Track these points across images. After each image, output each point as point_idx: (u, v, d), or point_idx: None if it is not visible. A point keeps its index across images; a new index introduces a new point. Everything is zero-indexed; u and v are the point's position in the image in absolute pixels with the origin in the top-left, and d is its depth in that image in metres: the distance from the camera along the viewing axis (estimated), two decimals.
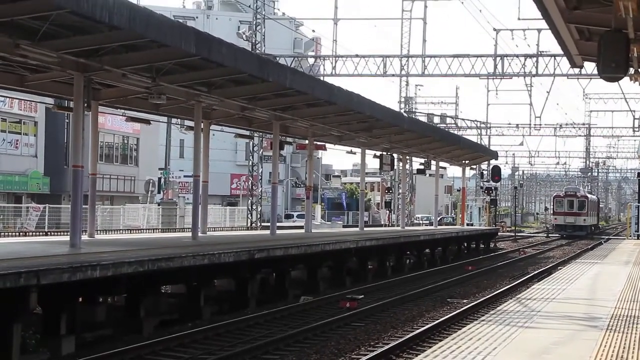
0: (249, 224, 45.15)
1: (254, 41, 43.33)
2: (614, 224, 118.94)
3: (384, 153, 36.65)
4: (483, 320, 11.37)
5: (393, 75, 46.83)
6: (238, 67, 17.90)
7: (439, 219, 51.60)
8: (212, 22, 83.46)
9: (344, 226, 58.15)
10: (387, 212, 65.29)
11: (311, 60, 54.49)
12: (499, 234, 52.36)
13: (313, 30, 62.55)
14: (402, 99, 60.01)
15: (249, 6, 47.26)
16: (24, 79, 18.26)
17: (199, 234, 22.04)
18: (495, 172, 61.10)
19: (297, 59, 48.35)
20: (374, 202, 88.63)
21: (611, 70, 11.13)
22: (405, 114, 48.93)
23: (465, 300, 20.83)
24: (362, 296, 19.98)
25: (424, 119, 61.85)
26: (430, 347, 10.84)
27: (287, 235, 27.51)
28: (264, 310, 17.37)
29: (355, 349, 13.83)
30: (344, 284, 23.09)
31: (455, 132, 59.38)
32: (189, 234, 22.60)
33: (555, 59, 42.48)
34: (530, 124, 67.08)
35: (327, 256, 22.15)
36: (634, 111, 63.87)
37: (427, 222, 67.00)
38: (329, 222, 62.93)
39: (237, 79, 19.97)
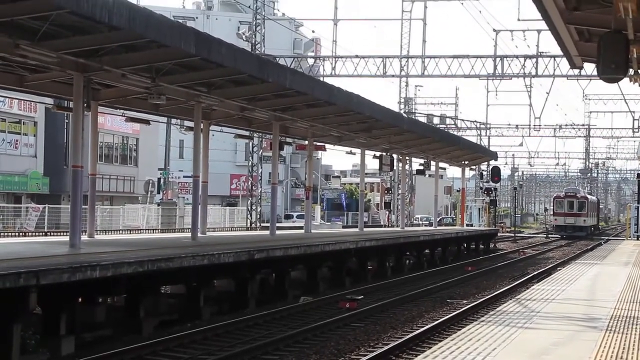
0: (248, 225, 45.15)
1: (253, 42, 43.34)
2: (613, 225, 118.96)
3: (384, 153, 36.66)
4: (483, 321, 11.37)
5: (393, 75, 46.83)
6: (238, 68, 17.90)
7: (438, 219, 51.58)
8: (211, 22, 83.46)
9: (343, 227, 58.10)
10: (387, 212, 65.30)
11: (311, 61, 54.50)
12: (498, 234, 52.38)
13: (313, 31, 62.70)
14: (402, 100, 60.02)
15: (249, 7, 47.28)
16: (24, 79, 18.26)
17: (199, 235, 22.03)
18: (495, 173, 61.14)
19: (296, 59, 48.35)
20: (373, 203, 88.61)
21: (611, 71, 11.15)
22: (404, 115, 48.93)
23: (464, 301, 20.83)
24: (362, 297, 19.98)
25: (423, 119, 61.90)
26: (430, 347, 10.84)
27: (287, 235, 27.51)
28: (263, 311, 17.37)
29: (354, 349, 13.83)
30: (344, 285, 23.08)
31: (455, 133, 59.40)
32: (189, 235, 22.60)
33: (554, 59, 42.48)
34: (529, 125, 67.12)
35: (326, 257, 22.15)
36: (634, 112, 63.95)
37: (427, 222, 66.99)
38: (329, 223, 62.89)
39: (237, 79, 19.97)
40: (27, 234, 31.53)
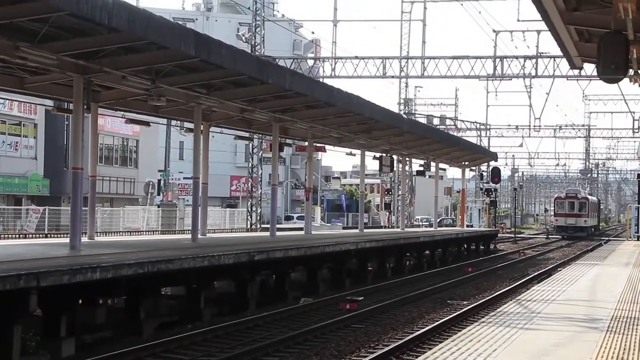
0: (248, 226, 45.15)
1: (253, 43, 43.34)
2: (613, 225, 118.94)
3: (384, 154, 36.66)
4: (483, 322, 11.36)
5: (392, 76, 46.79)
6: (237, 69, 17.91)
7: (438, 220, 51.59)
8: (211, 24, 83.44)
9: (343, 228, 58.13)
10: (387, 213, 65.28)
11: (310, 62, 54.51)
12: (498, 235, 52.37)
13: (312, 32, 62.67)
14: (402, 101, 60.00)
15: (249, 8, 47.31)
16: (24, 81, 18.26)
17: (199, 236, 22.03)
18: (495, 174, 61.15)
19: (296, 60, 48.33)
20: (373, 204, 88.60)
21: (611, 72, 11.15)
22: (404, 116, 48.94)
23: (465, 302, 20.83)
24: (362, 298, 19.97)
25: (423, 120, 61.86)
26: (430, 348, 10.83)
27: (287, 237, 27.50)
28: (263, 312, 17.36)
29: (355, 350, 13.82)
30: (344, 286, 23.08)
31: (455, 134, 59.39)
32: (189, 236, 22.61)
33: (554, 60, 42.44)
34: (529, 126, 67.06)
35: (327, 258, 22.14)
36: (634, 112, 63.92)
37: (427, 223, 66.99)
38: (329, 224, 62.91)
39: (237, 80, 19.97)
40: (27, 235, 31.54)
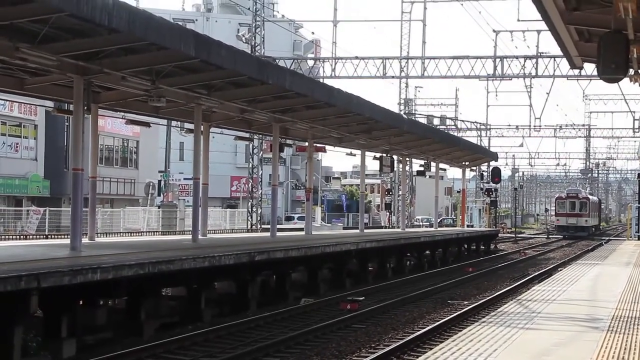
0: (249, 226, 45.16)
1: (253, 43, 43.36)
2: (614, 225, 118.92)
3: (384, 155, 36.66)
4: (484, 322, 11.36)
5: (392, 77, 46.80)
6: (237, 70, 17.91)
7: (439, 220, 51.58)
8: (211, 24, 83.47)
9: (344, 228, 58.15)
10: (387, 213, 65.31)
11: (311, 63, 54.52)
12: (499, 235, 52.37)
13: (312, 33, 62.63)
14: (402, 101, 60.02)
15: (249, 9, 47.30)
16: (24, 82, 18.26)
17: (199, 237, 22.04)
18: (495, 174, 61.14)
19: (296, 61, 48.34)
20: (374, 204, 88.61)
21: (611, 72, 11.15)
22: (405, 116, 48.93)
23: (465, 302, 20.83)
24: (363, 298, 19.97)
25: (423, 120, 61.83)
26: (431, 348, 10.83)
27: (288, 237, 27.50)
28: (264, 313, 17.36)
29: (356, 350, 13.82)
30: (345, 286, 23.08)
31: (455, 134, 59.38)
32: (189, 237, 22.61)
33: (554, 60, 42.44)
34: (530, 125, 67.06)
35: (327, 258, 22.14)
36: (634, 112, 63.91)
37: (427, 223, 66.99)
38: (329, 224, 62.96)
39: (237, 81, 19.97)
40: (28, 237, 31.51)
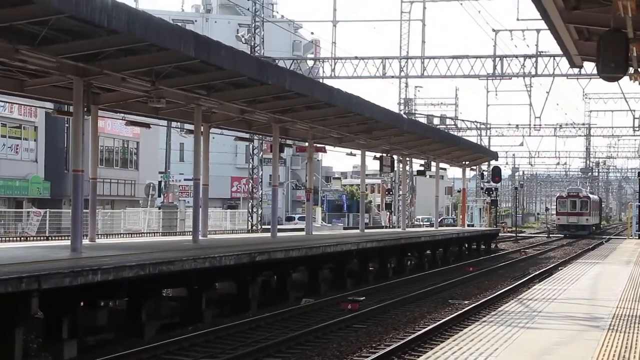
0: (249, 227, 45.16)
1: (253, 44, 43.36)
2: (614, 224, 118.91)
3: (384, 155, 36.66)
4: (484, 321, 11.37)
5: (392, 76, 46.82)
6: (237, 70, 17.91)
7: (439, 220, 51.59)
8: (211, 25, 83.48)
9: (344, 228, 58.15)
10: (388, 213, 65.32)
11: (310, 63, 54.57)
12: (499, 234, 52.37)
13: (312, 33, 62.72)
14: (402, 101, 60.03)
15: (248, 9, 47.29)
16: (24, 84, 18.26)
17: (200, 237, 22.04)
18: (496, 173, 61.13)
19: (296, 61, 48.35)
20: (374, 204, 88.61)
21: (611, 70, 11.14)
22: (404, 116, 48.93)
23: (466, 302, 20.82)
24: (364, 298, 19.97)
25: (423, 120, 61.86)
26: (431, 348, 10.84)
27: (288, 237, 27.51)
28: (265, 313, 17.36)
29: (357, 350, 13.82)
30: (345, 286, 23.08)
31: (455, 133, 59.39)
32: (190, 237, 22.61)
33: (554, 59, 42.46)
34: (530, 125, 67.09)
35: (328, 258, 22.14)
36: (634, 111, 63.96)
37: (428, 223, 66.99)
38: (330, 224, 62.97)
39: (237, 82, 19.98)
40: (28, 238, 31.54)
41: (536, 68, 43.22)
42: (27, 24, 13.96)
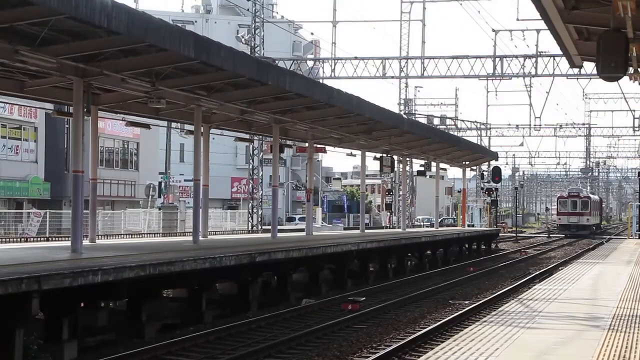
0: (249, 228, 45.17)
1: (253, 44, 43.37)
2: (615, 224, 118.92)
3: (384, 155, 36.65)
4: (485, 321, 11.37)
5: (392, 77, 46.81)
6: (237, 71, 17.91)
7: (439, 220, 51.57)
8: (211, 26, 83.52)
9: (344, 228, 58.14)
10: (388, 214, 65.29)
11: (310, 63, 54.55)
12: (500, 234, 52.37)
13: (312, 33, 62.81)
14: (402, 101, 60.02)
15: (248, 10, 47.30)
16: (24, 85, 18.26)
17: (200, 238, 22.04)
18: (496, 173, 61.13)
19: (296, 61, 48.35)
20: (374, 204, 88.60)
21: (610, 70, 11.15)
22: (405, 116, 48.93)
23: (467, 302, 20.82)
24: (364, 298, 19.97)
25: (423, 120, 61.89)
26: (432, 348, 10.83)
27: (288, 238, 27.51)
28: (265, 314, 17.36)
29: (357, 351, 13.82)
30: (346, 286, 23.08)
31: (455, 134, 59.39)
32: (190, 238, 22.60)
33: (554, 59, 42.45)
34: (530, 125, 67.09)
35: (328, 259, 22.14)
36: (634, 111, 63.98)
37: (428, 223, 66.98)
38: (330, 225, 62.94)
39: (237, 82, 19.98)
40: (28, 239, 31.53)
41: (536, 68, 43.22)
42: (27, 24, 13.97)
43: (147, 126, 27.09)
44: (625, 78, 13.62)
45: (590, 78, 49.30)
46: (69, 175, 32.52)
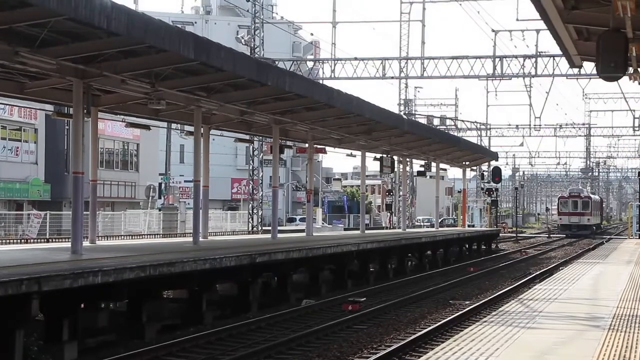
0: (250, 228, 45.16)
1: (252, 45, 43.36)
2: (615, 224, 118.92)
3: (384, 155, 36.65)
4: (485, 322, 11.37)
5: (392, 77, 46.79)
6: (237, 72, 17.91)
7: (440, 220, 51.56)
8: (210, 27, 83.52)
9: (345, 229, 58.11)
10: (388, 214, 65.27)
11: (310, 64, 54.60)
12: (500, 235, 52.37)
13: (312, 34, 62.86)
14: (402, 101, 60.01)
15: (247, 11, 47.31)
16: (24, 87, 18.26)
17: (200, 239, 22.03)
18: (496, 173, 61.15)
19: (296, 62, 48.36)
20: (374, 205, 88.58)
21: (610, 70, 11.15)
22: (404, 116, 48.93)
23: (467, 302, 20.82)
24: (364, 299, 19.97)
25: (423, 121, 61.89)
26: (432, 348, 10.83)
27: (289, 238, 27.50)
28: (266, 314, 17.36)
29: (357, 351, 13.82)
30: (346, 287, 23.08)
31: (455, 134, 59.39)
32: (190, 239, 22.60)
33: (554, 59, 42.43)
34: (530, 125, 67.06)
35: (328, 259, 22.14)
36: (634, 110, 63.94)
37: (428, 224, 66.99)
38: (330, 225, 62.94)
39: (236, 83, 19.98)
40: (29, 240, 31.52)
41: (536, 68, 43.20)
42: (27, 26, 13.96)
43: (147, 127, 27.09)
44: (625, 78, 13.62)
45: (590, 78, 49.29)
46: (69, 177, 32.50)
